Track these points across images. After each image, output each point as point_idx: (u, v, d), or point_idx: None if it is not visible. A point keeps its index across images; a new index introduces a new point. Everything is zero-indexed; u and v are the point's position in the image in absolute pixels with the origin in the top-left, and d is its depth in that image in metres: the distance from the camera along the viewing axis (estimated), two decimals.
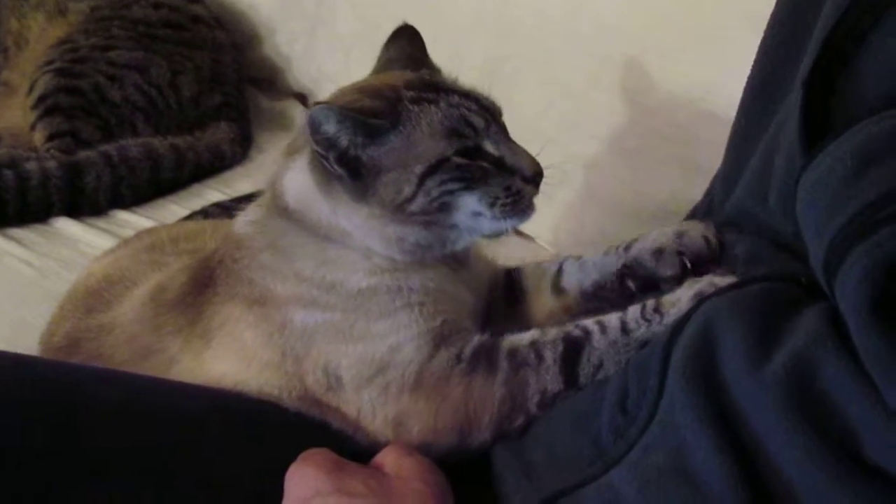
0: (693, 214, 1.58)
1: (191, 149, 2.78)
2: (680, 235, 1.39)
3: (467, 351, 1.32)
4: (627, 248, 1.45)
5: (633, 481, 1.04)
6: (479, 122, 1.35)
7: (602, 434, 1.15)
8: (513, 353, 1.30)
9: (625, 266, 1.44)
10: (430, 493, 1.19)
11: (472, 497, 1.26)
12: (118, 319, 1.54)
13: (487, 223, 1.36)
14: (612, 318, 1.29)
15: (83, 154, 2.57)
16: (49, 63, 2.80)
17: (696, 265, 1.36)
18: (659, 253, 1.39)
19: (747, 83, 1.34)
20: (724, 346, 1.00)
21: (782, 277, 1.09)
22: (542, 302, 1.52)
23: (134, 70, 2.83)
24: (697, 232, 1.37)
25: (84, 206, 2.52)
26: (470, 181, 1.32)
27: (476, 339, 1.34)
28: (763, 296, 1.06)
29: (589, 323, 1.30)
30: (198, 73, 2.97)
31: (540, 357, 1.29)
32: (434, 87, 1.39)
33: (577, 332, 1.30)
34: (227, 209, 2.36)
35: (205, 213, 2.46)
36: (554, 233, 2.39)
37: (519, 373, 1.28)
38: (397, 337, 1.32)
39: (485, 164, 1.34)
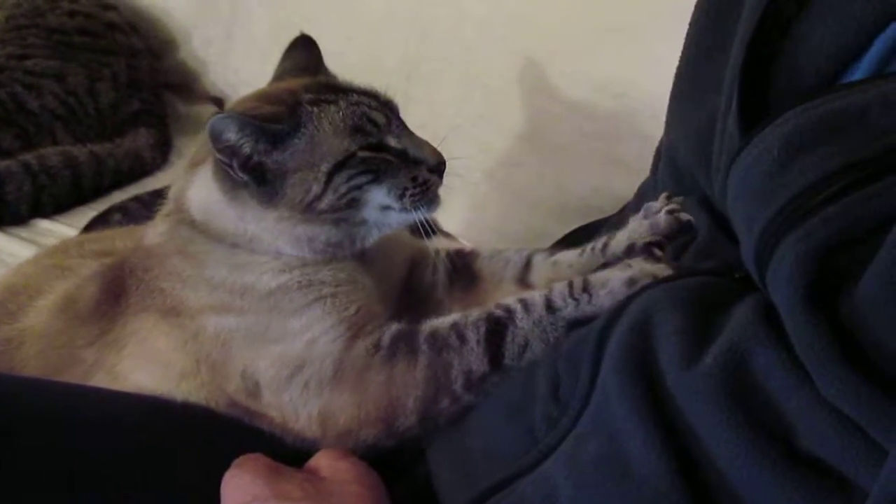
0: (641, 191, 1.59)
1: (111, 156, 2.76)
2: (651, 224, 1.37)
3: (385, 339, 1.32)
4: (605, 247, 1.45)
5: (568, 474, 1.04)
6: (380, 118, 1.38)
7: (535, 423, 1.15)
8: (433, 335, 1.30)
9: (605, 264, 1.41)
10: (368, 494, 1.20)
11: (408, 498, 1.27)
12: (27, 332, 1.52)
13: (396, 216, 1.39)
14: (537, 297, 1.29)
15: (2, 164, 2.54)
16: None
17: (670, 239, 1.36)
18: (631, 248, 1.39)
19: (676, 71, 1.35)
20: (661, 338, 1.01)
21: (721, 272, 1.10)
22: (503, 292, 1.50)
23: (51, 78, 2.80)
24: (662, 212, 1.36)
25: (5, 215, 2.50)
26: (377, 174, 1.34)
27: (393, 326, 1.34)
28: (700, 289, 1.07)
29: (512, 302, 1.31)
30: (115, 80, 2.95)
31: (462, 338, 1.28)
32: (332, 88, 1.41)
33: (499, 312, 1.29)
34: (145, 203, 2.34)
35: (123, 209, 2.45)
36: (476, 230, 2.39)
37: (441, 355, 1.28)
38: (312, 331, 1.32)
39: (390, 158, 1.37)
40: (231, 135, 1.29)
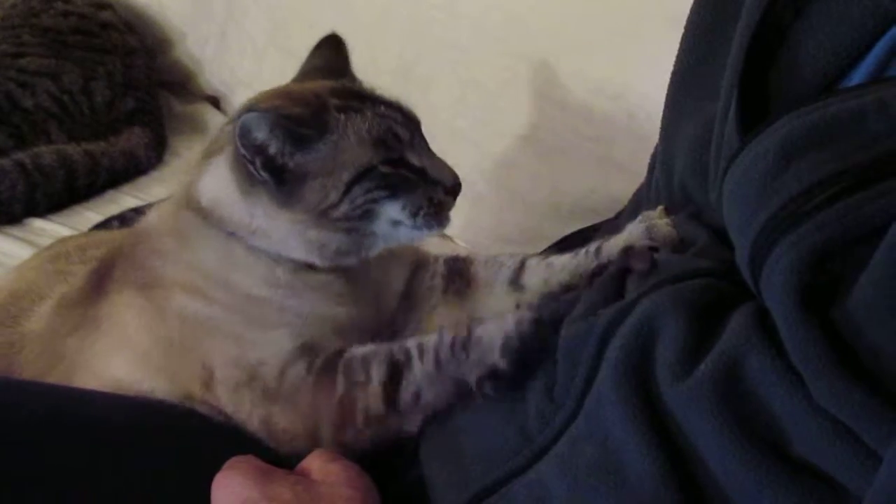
0: (637, 197, 1.58)
1: (105, 155, 2.76)
2: (649, 229, 1.35)
3: (317, 363, 1.33)
4: (598, 250, 1.43)
5: (563, 478, 1.04)
6: (403, 133, 1.37)
7: (528, 421, 1.15)
8: (349, 364, 1.32)
9: (598, 266, 1.41)
10: (359, 497, 1.19)
11: (401, 500, 1.26)
12: (27, 336, 1.53)
13: (405, 231, 1.39)
14: (430, 345, 1.30)
15: None
16: None
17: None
18: (629, 249, 1.36)
19: (671, 77, 1.34)
20: (660, 344, 1.01)
21: (722, 274, 1.09)
22: (496, 297, 1.51)
23: (46, 77, 2.79)
24: (663, 221, 1.34)
25: None
26: (395, 190, 1.34)
27: (331, 350, 1.35)
28: (703, 294, 1.05)
29: (412, 346, 1.31)
30: (110, 79, 2.94)
31: (368, 375, 1.30)
32: (358, 96, 1.41)
33: (399, 356, 1.30)
34: (143, 214, 2.34)
35: (122, 217, 2.43)
36: (472, 231, 2.39)
37: (352, 392, 1.30)
38: (264, 352, 1.33)
39: (408, 175, 1.36)
40: (260, 134, 1.28)
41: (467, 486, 1.16)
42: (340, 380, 1.30)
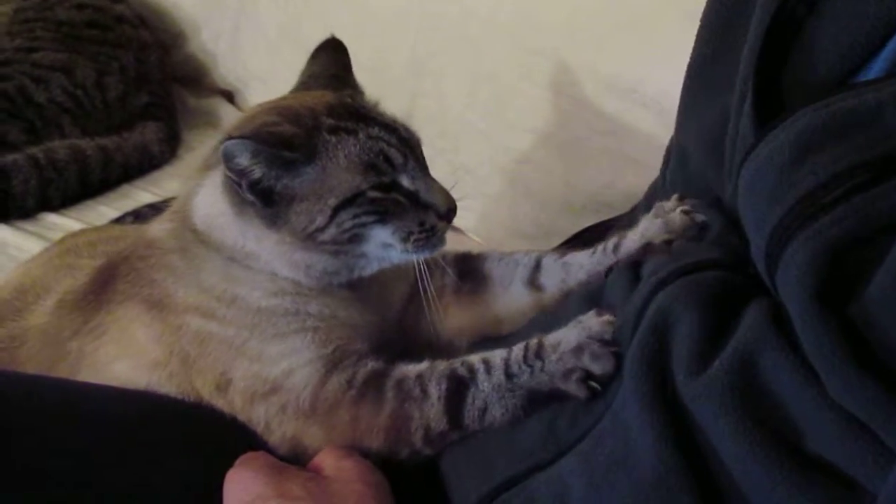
0: (652, 191, 1.56)
1: (118, 149, 2.76)
2: (666, 223, 1.32)
3: (359, 377, 1.30)
4: (616, 247, 1.40)
5: (582, 474, 1.04)
6: (397, 156, 1.34)
7: (558, 418, 1.15)
8: (400, 383, 1.29)
9: (617, 263, 1.38)
10: (371, 494, 1.19)
11: (415, 496, 1.26)
12: (30, 331, 1.53)
13: (397, 254, 1.36)
14: (498, 359, 1.27)
15: (10, 157, 2.54)
16: None
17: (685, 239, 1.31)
18: (648, 246, 1.34)
19: (687, 68, 1.33)
20: (675, 339, 1.01)
21: (735, 267, 1.08)
22: (512, 296, 1.49)
23: (59, 71, 2.80)
24: (678, 211, 1.32)
25: (12, 209, 2.50)
26: (384, 215, 1.32)
27: (370, 364, 1.33)
28: (716, 287, 1.05)
29: (476, 361, 1.28)
30: (123, 73, 2.94)
31: (425, 392, 1.27)
32: (355, 114, 1.38)
33: (462, 371, 1.27)
34: (159, 210, 2.34)
35: (136, 213, 2.44)
36: (486, 225, 2.39)
37: (404, 406, 1.27)
38: (290, 361, 1.32)
39: (400, 199, 1.34)
40: (243, 160, 1.27)
41: (490, 478, 1.16)
42: (390, 397, 1.28)
